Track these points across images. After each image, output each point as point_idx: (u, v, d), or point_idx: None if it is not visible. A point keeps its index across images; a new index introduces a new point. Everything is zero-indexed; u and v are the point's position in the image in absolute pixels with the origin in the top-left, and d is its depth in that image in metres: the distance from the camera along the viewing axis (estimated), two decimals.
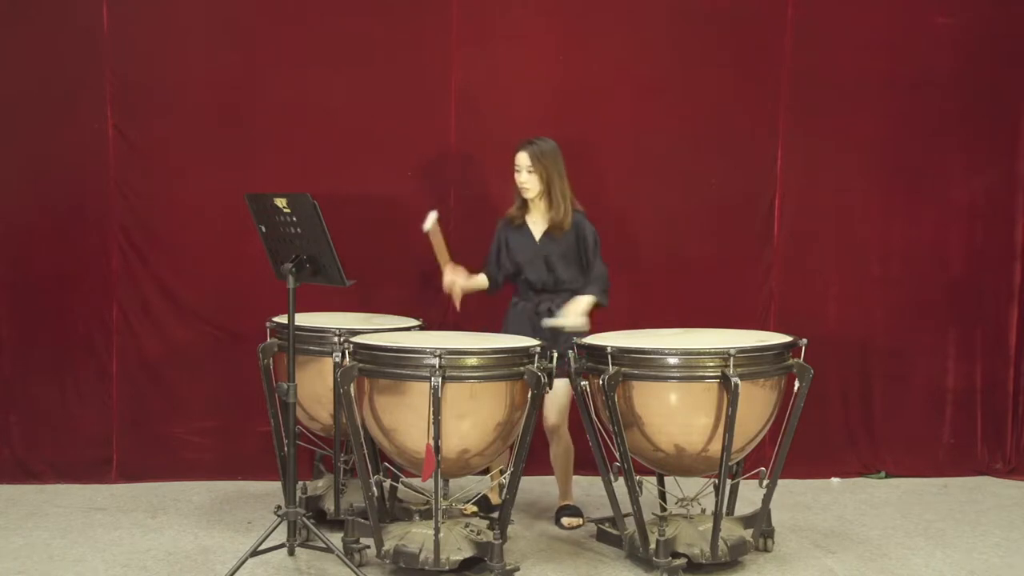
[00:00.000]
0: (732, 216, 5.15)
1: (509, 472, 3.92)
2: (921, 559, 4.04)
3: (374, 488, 3.81)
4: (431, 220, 4.35)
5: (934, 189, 5.25)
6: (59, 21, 4.83)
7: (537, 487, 4.81)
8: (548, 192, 4.32)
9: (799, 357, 3.92)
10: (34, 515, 4.45)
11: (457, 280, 4.43)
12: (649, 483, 4.06)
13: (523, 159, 4.30)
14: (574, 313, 4.20)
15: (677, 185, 5.10)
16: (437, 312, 4.89)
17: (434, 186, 5.02)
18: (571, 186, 4.34)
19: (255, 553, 3.72)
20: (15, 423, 4.92)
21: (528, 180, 4.30)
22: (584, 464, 4.53)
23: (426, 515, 3.91)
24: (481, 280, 4.49)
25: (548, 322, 4.22)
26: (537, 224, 4.40)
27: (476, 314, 4.58)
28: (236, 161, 4.91)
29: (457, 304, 4.51)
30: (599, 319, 4.46)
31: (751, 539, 3.93)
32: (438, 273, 4.48)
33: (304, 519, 3.81)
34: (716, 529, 3.77)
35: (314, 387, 4.13)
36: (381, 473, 3.96)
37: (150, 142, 4.90)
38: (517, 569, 3.77)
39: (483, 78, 4.99)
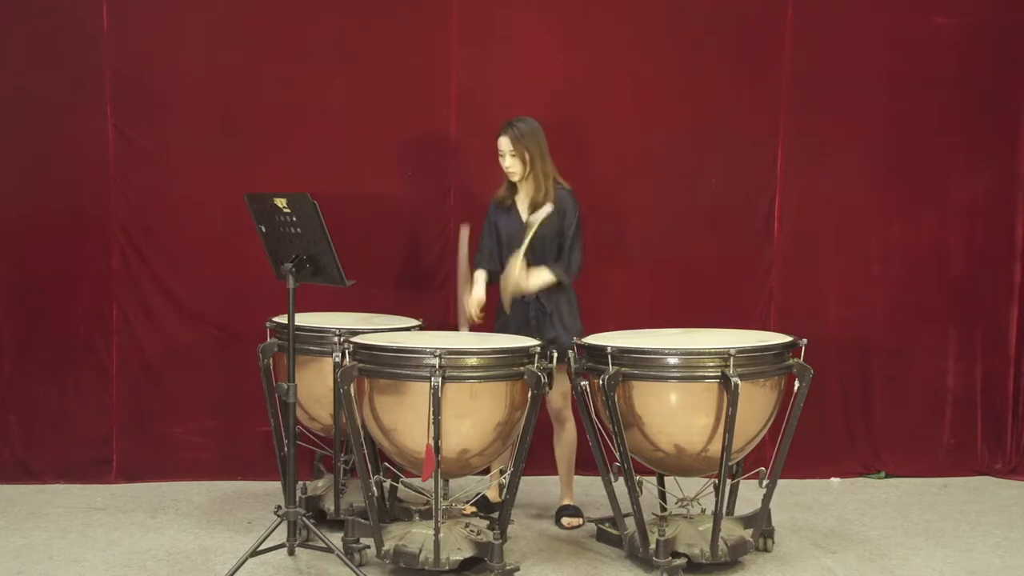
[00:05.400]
0: (732, 216, 5.14)
1: (509, 472, 3.92)
2: (921, 559, 4.04)
3: (374, 488, 3.81)
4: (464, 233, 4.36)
5: (934, 189, 5.25)
6: (59, 21, 4.83)
7: (537, 487, 4.81)
8: (532, 172, 4.29)
9: (799, 357, 3.92)
10: (34, 515, 4.45)
11: (473, 301, 4.29)
12: (649, 483, 4.05)
13: (504, 143, 4.27)
14: (534, 277, 4.17)
15: (677, 185, 5.09)
16: (437, 312, 4.89)
17: (434, 186, 5.02)
18: (555, 163, 4.31)
19: (255, 553, 3.72)
20: (15, 423, 4.92)
21: (512, 164, 4.27)
22: (584, 464, 4.53)
23: (426, 515, 3.91)
24: (481, 279, 4.36)
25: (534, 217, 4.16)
26: (525, 204, 4.36)
27: None
28: (236, 161, 4.91)
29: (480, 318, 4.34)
30: (598, 319, 4.46)
31: (751, 539, 3.93)
32: (439, 274, 4.49)
33: (304, 519, 3.81)
34: (716, 529, 3.77)
35: (314, 387, 4.13)
36: (381, 473, 3.96)
37: (150, 142, 4.90)
38: (517, 569, 3.77)
39: (483, 78, 4.99)
